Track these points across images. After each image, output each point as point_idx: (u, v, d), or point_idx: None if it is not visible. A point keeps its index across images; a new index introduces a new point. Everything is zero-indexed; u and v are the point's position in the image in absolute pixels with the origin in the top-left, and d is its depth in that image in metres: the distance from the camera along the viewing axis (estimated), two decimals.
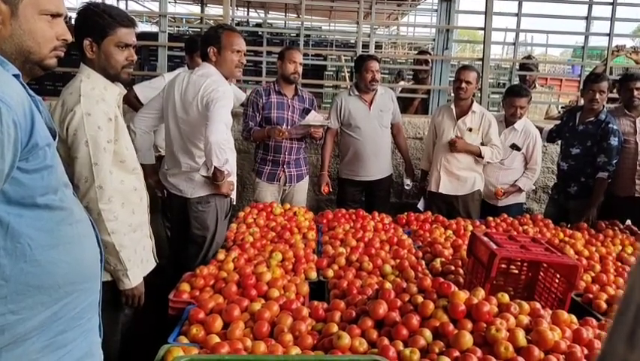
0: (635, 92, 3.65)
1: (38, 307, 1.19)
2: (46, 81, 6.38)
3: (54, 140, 1.22)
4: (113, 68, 1.93)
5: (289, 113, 3.74)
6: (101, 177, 1.83)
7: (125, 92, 2.07)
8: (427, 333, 1.72)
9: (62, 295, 1.23)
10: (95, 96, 1.87)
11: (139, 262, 2.08)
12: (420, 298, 1.88)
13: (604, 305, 2.28)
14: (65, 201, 1.25)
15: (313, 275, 2.50)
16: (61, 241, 1.23)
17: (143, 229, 2.16)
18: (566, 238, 3.22)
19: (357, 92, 3.99)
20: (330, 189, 4.08)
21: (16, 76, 1.16)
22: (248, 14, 12.31)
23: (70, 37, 1.36)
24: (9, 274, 1.13)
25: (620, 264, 2.83)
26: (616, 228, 3.44)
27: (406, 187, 4.24)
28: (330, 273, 2.51)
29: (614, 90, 4.82)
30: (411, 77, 6.40)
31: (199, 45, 2.92)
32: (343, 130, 4.04)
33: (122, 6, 10.40)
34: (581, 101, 3.98)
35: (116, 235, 1.87)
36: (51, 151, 1.19)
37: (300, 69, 3.70)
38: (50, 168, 1.19)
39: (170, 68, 5.08)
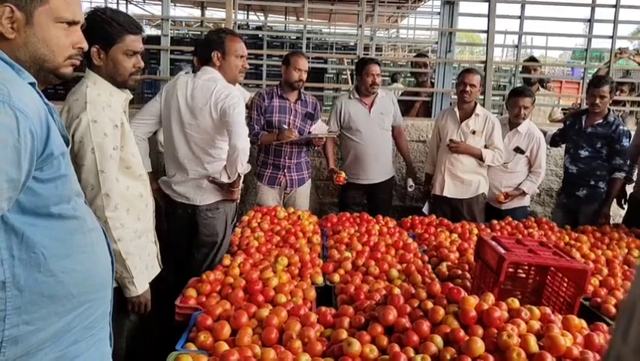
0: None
1: (52, 317, 1.18)
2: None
3: (67, 147, 1.21)
4: (121, 76, 1.91)
5: (291, 117, 3.73)
6: (108, 185, 1.81)
7: (131, 97, 2.04)
8: (438, 339, 1.70)
9: (76, 305, 1.22)
10: (101, 103, 1.85)
11: (144, 268, 2.06)
12: (430, 304, 1.86)
13: (613, 309, 2.27)
14: (78, 210, 1.24)
15: (320, 280, 2.48)
16: (75, 251, 1.22)
17: (148, 235, 2.14)
18: (572, 242, 3.21)
19: (357, 96, 3.98)
20: (346, 178, 3.91)
21: (31, 84, 1.15)
22: (248, 17, 12.30)
23: (86, 46, 1.34)
24: (24, 285, 1.12)
25: (627, 267, 2.82)
26: (621, 230, 3.43)
27: (409, 188, 4.22)
28: (337, 278, 2.50)
29: (618, 92, 4.82)
30: (411, 79, 6.41)
31: (200, 48, 2.87)
32: (344, 133, 4.03)
33: (122, 9, 10.40)
34: (585, 105, 3.97)
35: (122, 242, 1.85)
36: (65, 160, 1.18)
37: (304, 76, 3.69)
38: (64, 178, 1.17)
39: (172, 72, 5.08)
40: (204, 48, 2.79)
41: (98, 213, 1.78)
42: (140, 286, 1.96)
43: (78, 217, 1.23)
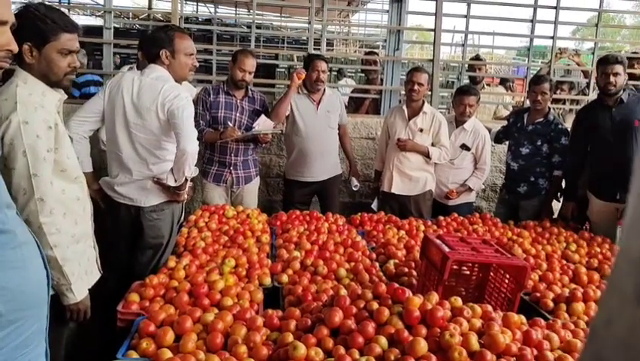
0: None
1: None
2: None
3: None
4: (55, 75, 1.83)
5: (237, 114, 3.68)
6: (42, 189, 1.73)
7: (66, 97, 1.96)
8: (383, 340, 1.72)
9: (5, 325, 1.15)
10: (33, 103, 1.75)
11: (83, 274, 1.99)
12: (375, 305, 1.87)
13: (551, 304, 2.36)
14: (7, 224, 1.16)
15: (267, 281, 2.46)
16: (3, 267, 1.15)
17: (86, 239, 2.06)
18: (514, 237, 3.31)
19: (305, 91, 3.97)
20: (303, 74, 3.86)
21: None
22: (197, 10, 12.05)
23: (15, 48, 1.28)
24: None
25: (565, 262, 2.93)
26: (559, 225, 3.57)
27: (354, 188, 4.23)
28: (285, 278, 2.48)
29: (558, 91, 5.00)
30: (361, 74, 6.44)
31: (146, 45, 2.78)
32: (290, 129, 4.01)
33: None
34: (527, 103, 4.11)
35: (59, 248, 1.77)
36: None
37: (248, 77, 3.66)
38: None
39: (116, 65, 4.91)
40: (151, 46, 2.70)
41: (31, 219, 1.69)
42: (79, 293, 1.88)
43: (7, 231, 1.16)
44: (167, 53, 2.67)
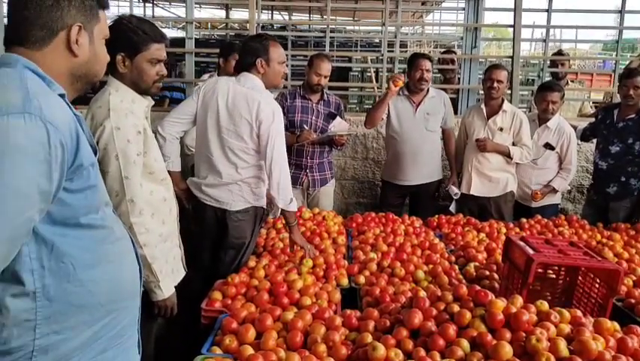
0: None
1: (81, 326, 1.19)
2: None
3: (95, 157, 1.22)
4: (145, 83, 1.93)
5: (313, 118, 3.72)
6: (132, 191, 1.83)
7: (153, 103, 2.07)
8: (465, 343, 1.67)
9: (104, 315, 1.23)
10: (124, 109, 1.87)
11: (170, 272, 2.08)
12: (456, 307, 1.83)
13: None
14: (106, 220, 1.25)
15: (345, 282, 2.47)
16: (103, 260, 1.23)
17: (172, 238, 2.16)
18: (604, 240, 3.13)
19: (406, 92, 3.91)
20: (403, 81, 3.77)
21: (61, 95, 1.16)
22: (272, 17, 12.34)
23: (108, 59, 1.38)
24: (53, 295, 1.13)
25: None
26: None
27: (454, 196, 3.93)
28: (362, 279, 2.48)
29: None
30: (437, 74, 6.32)
31: (241, 54, 2.86)
32: (387, 130, 3.99)
33: (148, 12, 10.53)
34: (617, 98, 3.87)
35: (148, 247, 1.87)
36: (94, 171, 1.19)
37: (324, 81, 3.67)
38: (93, 188, 1.18)
39: (197, 73, 5.12)
40: (247, 55, 2.75)
41: (123, 219, 1.79)
42: (167, 289, 1.97)
43: (106, 227, 1.24)
44: (263, 62, 2.73)
